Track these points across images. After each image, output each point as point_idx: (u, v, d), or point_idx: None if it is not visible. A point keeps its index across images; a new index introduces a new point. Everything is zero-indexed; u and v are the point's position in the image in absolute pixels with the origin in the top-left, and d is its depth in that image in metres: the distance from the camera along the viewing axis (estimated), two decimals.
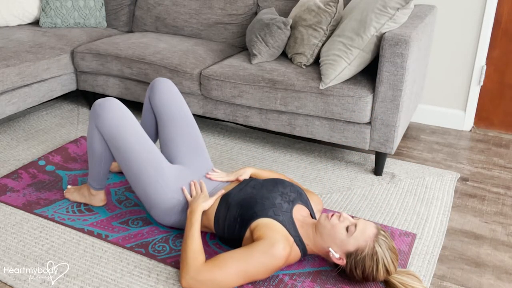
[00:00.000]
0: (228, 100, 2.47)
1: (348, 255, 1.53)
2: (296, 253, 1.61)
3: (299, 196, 1.74)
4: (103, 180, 1.95)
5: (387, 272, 1.52)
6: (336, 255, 1.55)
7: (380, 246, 1.50)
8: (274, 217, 1.59)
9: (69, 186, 2.09)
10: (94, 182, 1.95)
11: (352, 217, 1.62)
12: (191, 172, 1.88)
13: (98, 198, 2.00)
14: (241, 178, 1.88)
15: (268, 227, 1.56)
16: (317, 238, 1.60)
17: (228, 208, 1.68)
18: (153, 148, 1.79)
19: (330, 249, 1.56)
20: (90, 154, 1.87)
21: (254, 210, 1.61)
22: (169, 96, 1.98)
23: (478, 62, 2.80)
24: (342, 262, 1.55)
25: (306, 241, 1.63)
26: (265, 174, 1.93)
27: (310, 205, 1.77)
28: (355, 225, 1.53)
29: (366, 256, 1.50)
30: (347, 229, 1.54)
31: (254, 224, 1.59)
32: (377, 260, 1.50)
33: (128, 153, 1.75)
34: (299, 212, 1.69)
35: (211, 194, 1.81)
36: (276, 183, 1.74)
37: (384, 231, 1.54)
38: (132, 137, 1.76)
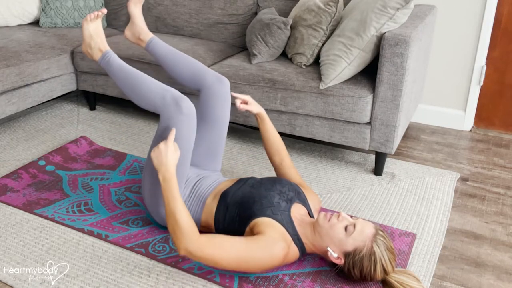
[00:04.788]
0: None
1: (346, 255, 1.53)
2: (295, 252, 1.61)
3: (297, 195, 1.74)
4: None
5: (385, 272, 1.52)
6: (334, 255, 1.55)
7: (378, 247, 1.50)
8: (272, 216, 1.60)
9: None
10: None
11: (351, 217, 1.63)
12: (196, 174, 1.88)
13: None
14: (250, 108, 1.89)
15: (267, 226, 1.56)
16: (315, 237, 1.60)
17: (227, 208, 1.68)
18: (189, 165, 1.78)
19: (328, 248, 1.56)
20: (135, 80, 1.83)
21: (253, 209, 1.61)
22: (224, 101, 1.97)
23: (478, 62, 2.80)
24: (340, 261, 1.55)
25: (304, 239, 1.63)
26: (269, 127, 1.94)
27: (308, 204, 1.77)
28: (354, 225, 1.54)
29: (364, 256, 1.50)
30: (345, 229, 1.54)
31: (253, 223, 1.60)
32: (375, 260, 1.50)
33: None
34: (297, 211, 1.69)
35: (209, 190, 1.80)
36: (274, 182, 1.74)
37: (382, 231, 1.55)
38: (188, 143, 1.73)
